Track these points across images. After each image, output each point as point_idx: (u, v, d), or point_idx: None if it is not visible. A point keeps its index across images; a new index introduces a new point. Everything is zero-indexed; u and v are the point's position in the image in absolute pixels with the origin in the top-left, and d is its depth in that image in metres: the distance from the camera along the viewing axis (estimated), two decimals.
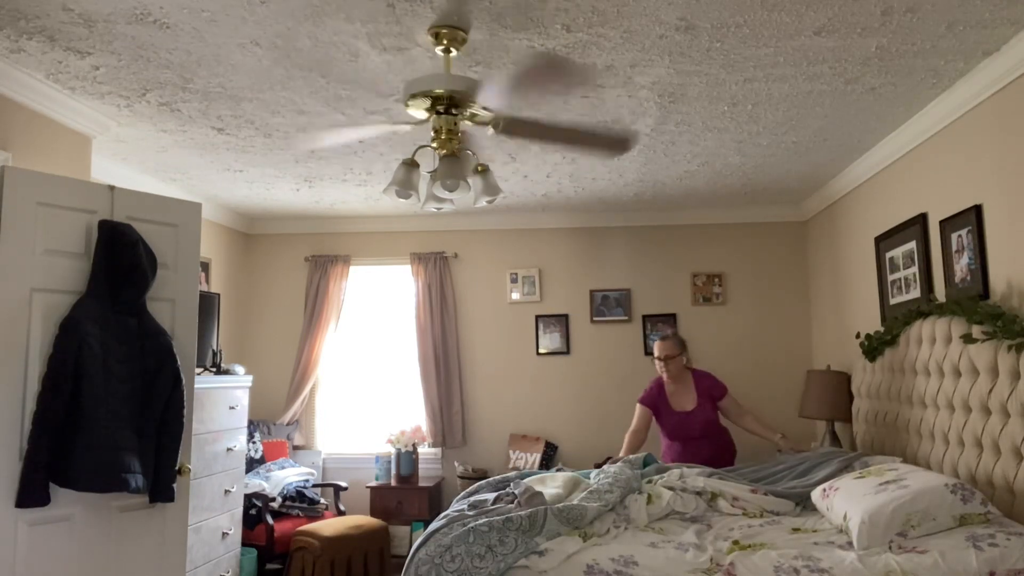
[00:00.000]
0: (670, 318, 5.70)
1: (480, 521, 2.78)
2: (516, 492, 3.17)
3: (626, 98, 3.39)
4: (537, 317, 5.78)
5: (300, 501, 4.96)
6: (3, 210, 2.54)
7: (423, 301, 5.71)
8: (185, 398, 2.85)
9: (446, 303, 5.74)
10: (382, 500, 5.27)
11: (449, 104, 2.85)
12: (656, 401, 4.21)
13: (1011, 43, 2.88)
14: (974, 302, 3.13)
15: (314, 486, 5.26)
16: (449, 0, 2.49)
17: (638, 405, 4.25)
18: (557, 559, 2.63)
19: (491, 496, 3.26)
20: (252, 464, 4.99)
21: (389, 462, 5.37)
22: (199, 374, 3.98)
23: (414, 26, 2.67)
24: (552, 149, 4.10)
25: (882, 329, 4.07)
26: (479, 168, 3.16)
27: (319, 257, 5.86)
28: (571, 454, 5.55)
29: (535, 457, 5.38)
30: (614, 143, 3.86)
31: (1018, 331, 2.81)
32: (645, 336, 5.70)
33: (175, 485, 2.81)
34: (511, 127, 3.28)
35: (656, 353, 4.20)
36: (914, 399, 3.59)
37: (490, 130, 3.12)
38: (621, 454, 4.08)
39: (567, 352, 5.75)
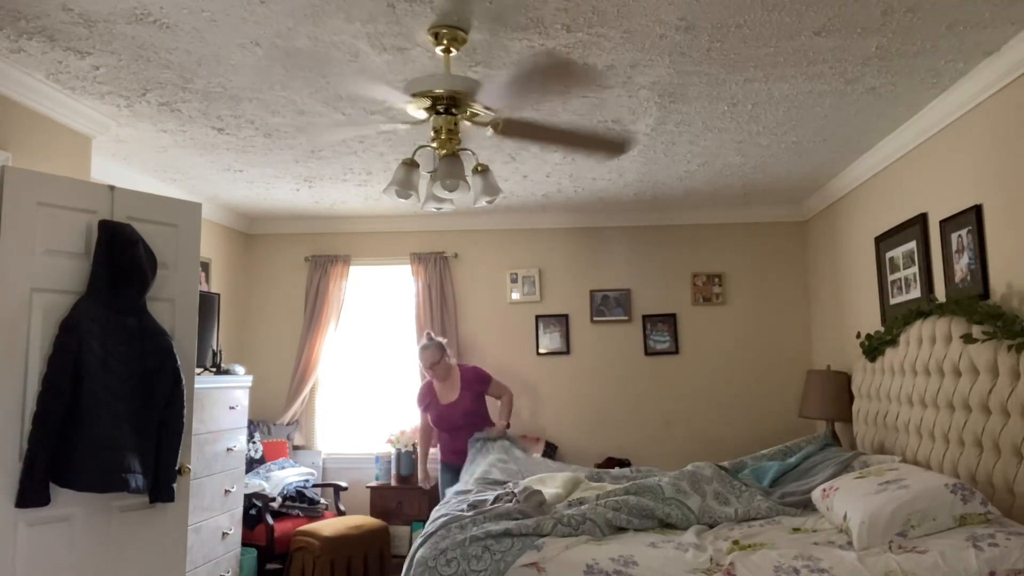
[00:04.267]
0: (670, 318, 5.70)
1: (478, 529, 2.76)
2: (515, 491, 3.17)
3: (626, 98, 3.39)
4: (537, 317, 5.78)
5: (300, 501, 4.96)
6: (3, 210, 2.54)
7: (423, 301, 5.71)
8: (185, 398, 2.85)
9: (446, 303, 5.73)
10: (382, 500, 5.27)
11: (449, 104, 2.86)
12: (426, 399, 4.65)
13: (1011, 43, 2.88)
14: (974, 302, 3.13)
15: (314, 486, 5.26)
16: (449, 0, 2.49)
17: (420, 412, 4.79)
18: (556, 557, 2.62)
19: (491, 496, 3.25)
20: (252, 464, 4.99)
21: (389, 462, 5.37)
22: (199, 374, 3.98)
23: (414, 26, 2.67)
24: (552, 149, 4.10)
25: (882, 329, 4.07)
26: (479, 168, 3.16)
27: (319, 257, 5.86)
28: (571, 454, 5.55)
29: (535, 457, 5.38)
30: (611, 146, 3.86)
31: (1018, 331, 2.81)
32: (645, 336, 5.71)
33: (175, 485, 2.81)
34: (510, 128, 3.28)
35: (422, 363, 4.58)
36: (914, 399, 3.59)
37: (489, 131, 3.12)
38: (419, 459, 4.86)
39: (567, 352, 5.75)
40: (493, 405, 4.81)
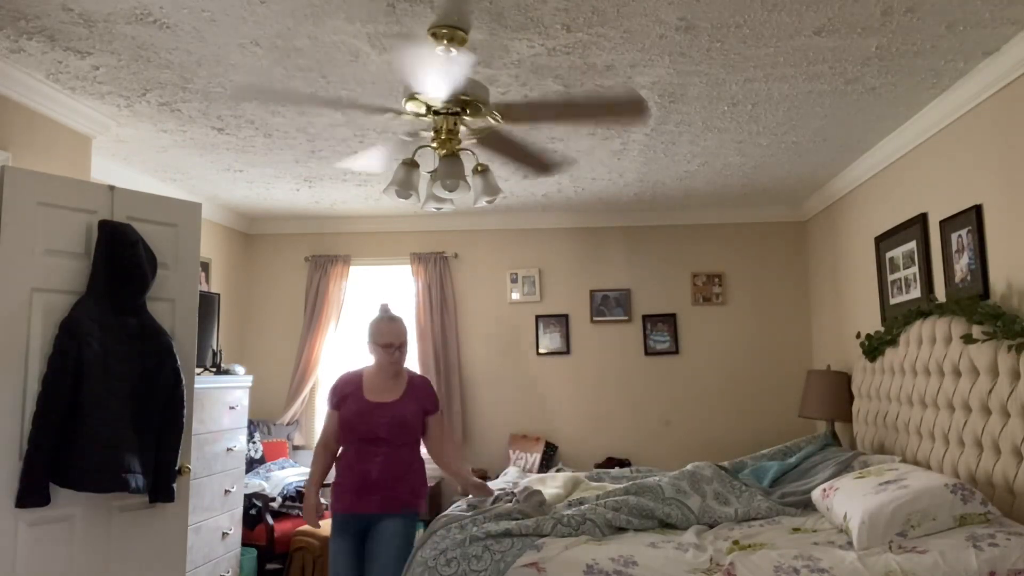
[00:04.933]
0: (670, 318, 5.70)
1: (478, 529, 2.76)
2: (515, 491, 3.17)
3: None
4: (537, 317, 5.78)
5: (300, 501, 4.96)
6: (3, 210, 2.54)
7: (423, 301, 5.71)
8: (185, 398, 2.85)
9: (446, 303, 5.73)
10: None
11: (448, 104, 2.86)
12: (344, 391, 3.11)
13: (1011, 43, 2.88)
14: (974, 302, 3.13)
15: None
16: (449, 0, 2.49)
17: (328, 410, 3.17)
18: (556, 557, 2.62)
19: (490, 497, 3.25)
20: (252, 464, 4.99)
21: None
22: (199, 374, 3.98)
23: (414, 26, 2.67)
24: (553, 149, 4.10)
25: (882, 329, 4.07)
26: (479, 168, 3.16)
27: (319, 257, 5.86)
28: (571, 454, 5.55)
29: (535, 457, 5.38)
30: (630, 109, 3.57)
31: (1018, 331, 2.81)
32: (645, 336, 5.71)
33: (175, 485, 2.81)
34: (513, 113, 3.22)
35: (391, 339, 3.09)
36: (914, 399, 3.59)
37: (492, 120, 3.10)
38: (310, 483, 3.15)
39: (567, 352, 5.75)
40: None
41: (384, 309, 3.21)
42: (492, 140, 3.55)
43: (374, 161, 3.90)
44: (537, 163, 4.04)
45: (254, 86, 3.18)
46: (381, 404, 3.06)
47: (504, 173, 4.53)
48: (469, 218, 5.83)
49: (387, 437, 3.01)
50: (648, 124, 3.76)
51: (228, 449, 4.20)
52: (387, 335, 3.10)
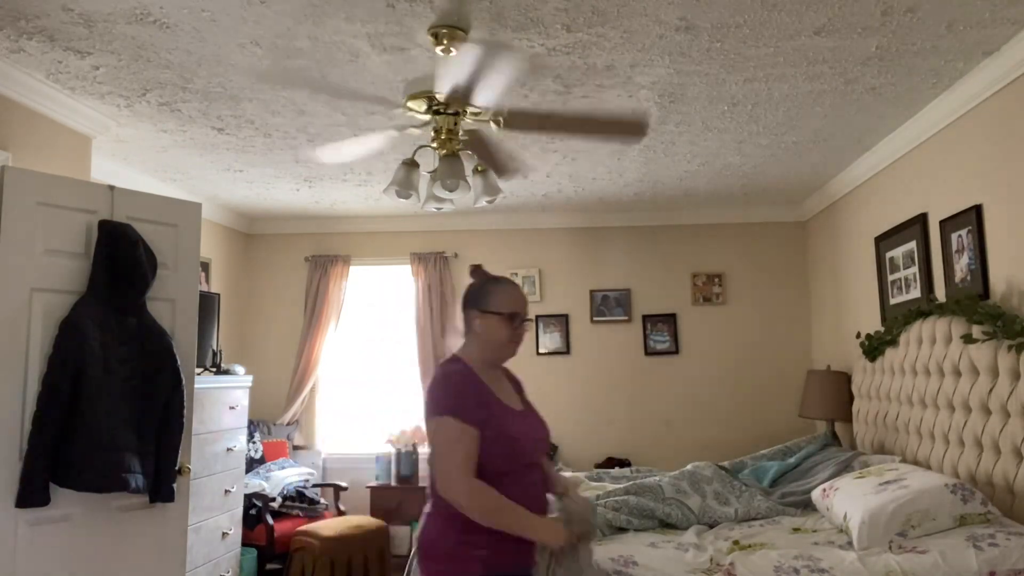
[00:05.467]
0: (670, 318, 5.70)
1: None
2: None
3: (626, 98, 3.39)
4: (537, 317, 5.78)
5: (300, 501, 4.96)
6: (3, 210, 2.54)
7: (423, 301, 5.71)
8: (185, 398, 2.85)
9: (446, 303, 5.73)
10: (382, 500, 5.27)
11: (448, 104, 2.86)
12: (489, 405, 2.08)
13: (1011, 43, 2.88)
14: (974, 302, 3.13)
15: (314, 486, 5.25)
16: (449, 0, 2.49)
17: (460, 427, 1.96)
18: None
19: None
20: (252, 464, 4.99)
21: (389, 462, 5.37)
22: (199, 374, 3.97)
23: (414, 26, 2.67)
24: (552, 149, 4.10)
25: (882, 329, 4.07)
26: (479, 168, 3.16)
27: (319, 257, 5.86)
28: (571, 454, 5.55)
29: None
30: (628, 128, 3.65)
31: (1018, 331, 2.81)
32: (645, 336, 5.71)
33: (175, 485, 2.81)
34: (515, 121, 3.24)
35: (523, 308, 2.25)
36: (914, 399, 3.59)
37: (493, 126, 3.11)
38: (530, 514, 1.96)
39: (567, 352, 5.75)
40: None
41: (481, 270, 2.38)
42: (473, 143, 3.53)
43: (361, 149, 3.62)
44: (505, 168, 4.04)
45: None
46: (525, 414, 2.23)
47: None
48: (469, 218, 5.83)
49: (543, 452, 2.24)
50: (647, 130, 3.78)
51: (228, 449, 4.20)
52: (519, 301, 2.21)
